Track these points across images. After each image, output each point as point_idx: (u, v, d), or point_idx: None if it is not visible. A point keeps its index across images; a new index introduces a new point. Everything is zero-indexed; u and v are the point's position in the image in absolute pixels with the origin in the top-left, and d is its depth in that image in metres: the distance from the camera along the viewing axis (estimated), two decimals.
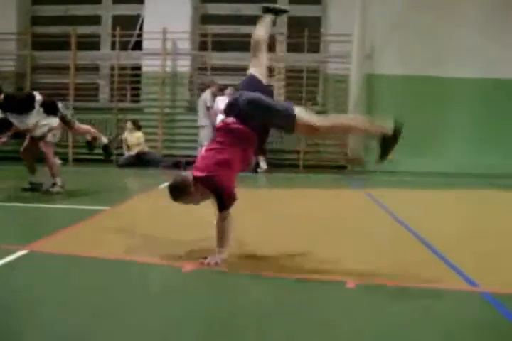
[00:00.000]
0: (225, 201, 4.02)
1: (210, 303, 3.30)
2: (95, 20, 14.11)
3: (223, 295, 3.46)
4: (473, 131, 12.76)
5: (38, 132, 7.43)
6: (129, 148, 12.57)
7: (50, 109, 7.46)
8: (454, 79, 12.73)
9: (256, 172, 11.47)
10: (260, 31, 4.53)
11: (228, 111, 4.18)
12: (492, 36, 12.54)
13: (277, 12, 4.74)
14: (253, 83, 4.32)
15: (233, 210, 4.08)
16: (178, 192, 4.05)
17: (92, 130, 8.31)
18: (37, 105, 7.33)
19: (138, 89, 13.84)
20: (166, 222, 5.86)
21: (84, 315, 3.02)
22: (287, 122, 4.07)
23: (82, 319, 2.97)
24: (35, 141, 7.51)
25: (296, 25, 13.20)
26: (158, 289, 3.64)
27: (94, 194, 8.10)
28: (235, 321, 3.03)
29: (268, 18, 4.60)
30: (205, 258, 3.98)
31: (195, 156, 12.04)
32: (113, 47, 13.78)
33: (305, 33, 12.85)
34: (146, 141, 12.76)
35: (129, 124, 12.63)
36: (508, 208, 7.73)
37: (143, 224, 5.69)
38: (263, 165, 11.83)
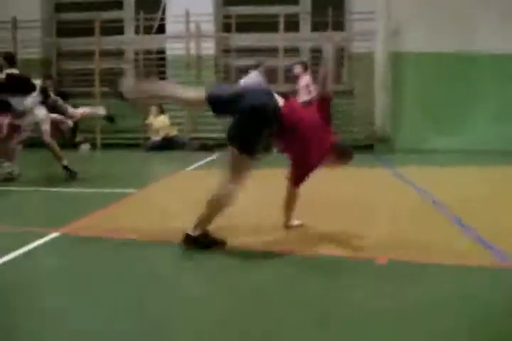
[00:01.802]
0: None
1: (238, 280, 3.33)
2: (118, 5, 14.09)
3: (251, 272, 3.48)
4: (502, 108, 12.54)
5: (26, 120, 7.47)
6: (155, 132, 12.60)
7: (44, 93, 7.62)
8: (484, 55, 12.46)
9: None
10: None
11: None
12: None
13: None
14: None
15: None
16: None
17: (87, 109, 8.68)
18: (37, 87, 7.47)
19: (163, 72, 13.83)
20: (193, 204, 5.87)
21: (121, 293, 3.07)
22: None
23: (120, 296, 3.02)
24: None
25: (320, 3, 13.07)
26: (196, 268, 3.67)
27: (122, 178, 8.15)
28: (260, 298, 3.04)
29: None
30: None
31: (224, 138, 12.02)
32: (137, 32, 13.77)
33: (329, 12, 12.71)
34: (173, 124, 12.77)
35: (153, 109, 12.64)
36: None
37: (170, 206, 5.72)
38: None
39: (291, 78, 12.11)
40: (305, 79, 11.44)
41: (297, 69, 11.66)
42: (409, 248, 4.00)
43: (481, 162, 10.03)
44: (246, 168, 3.99)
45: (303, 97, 11.23)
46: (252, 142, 3.95)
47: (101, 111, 8.58)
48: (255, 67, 11.63)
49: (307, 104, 11.08)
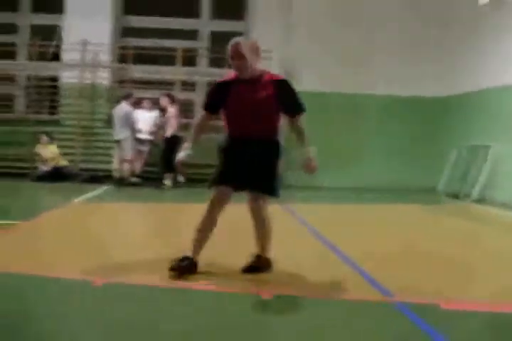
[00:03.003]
0: None
1: (122, 314, 3.22)
2: (12, 28, 13.66)
3: (129, 306, 3.38)
4: (388, 147, 13.20)
5: None
6: (43, 161, 12.17)
7: None
8: (373, 96, 13.12)
9: (161, 187, 11.21)
10: None
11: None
12: (406, 57, 13.13)
13: None
14: None
15: None
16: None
17: None
18: None
19: (56, 101, 13.48)
20: (78, 235, 5.71)
21: None
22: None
23: None
24: None
25: (219, 40, 13.24)
26: (72, 303, 3.52)
27: (5, 208, 7.77)
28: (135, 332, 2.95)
29: None
30: None
31: (111, 171, 11.85)
32: (30, 57, 13.38)
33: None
34: (63, 154, 12.41)
35: (43, 138, 12.22)
36: (419, 221, 8.00)
37: (54, 239, 5.50)
38: (167, 182, 11.37)
39: (159, 110, 11.93)
40: (171, 111, 11.38)
41: (163, 101, 11.52)
42: (295, 283, 4.03)
43: (367, 199, 10.41)
44: None
45: (169, 129, 11.22)
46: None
47: None
48: (125, 97, 11.63)
49: (172, 138, 10.99)
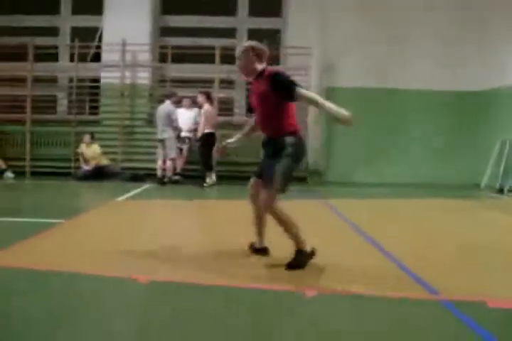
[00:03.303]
0: None
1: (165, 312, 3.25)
2: (53, 31, 13.90)
3: (175, 304, 3.40)
4: (427, 142, 13.06)
5: None
6: (86, 161, 12.36)
7: None
8: (410, 91, 12.99)
9: (202, 185, 11.25)
10: None
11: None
12: (449, 50, 12.92)
13: None
14: None
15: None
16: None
17: None
18: None
19: (97, 101, 13.67)
20: (122, 233, 5.78)
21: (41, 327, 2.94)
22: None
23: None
24: None
25: (256, 37, 13.20)
26: (117, 301, 3.56)
27: (50, 207, 7.92)
28: (186, 326, 2.97)
29: None
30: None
31: (155, 169, 12.00)
32: (71, 59, 13.60)
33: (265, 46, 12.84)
34: (105, 153, 12.58)
35: (86, 138, 12.40)
36: (461, 216, 7.88)
37: (99, 237, 5.58)
38: (209, 180, 11.40)
39: (199, 108, 11.83)
40: (205, 109, 11.35)
41: (200, 98, 11.53)
42: (339, 279, 4.01)
43: (407, 194, 10.30)
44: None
45: (204, 126, 11.21)
46: None
47: None
48: (168, 96, 11.70)
49: (206, 136, 11.02)
